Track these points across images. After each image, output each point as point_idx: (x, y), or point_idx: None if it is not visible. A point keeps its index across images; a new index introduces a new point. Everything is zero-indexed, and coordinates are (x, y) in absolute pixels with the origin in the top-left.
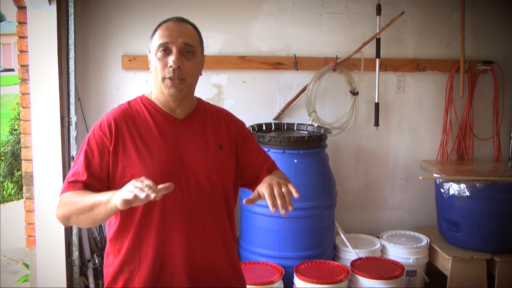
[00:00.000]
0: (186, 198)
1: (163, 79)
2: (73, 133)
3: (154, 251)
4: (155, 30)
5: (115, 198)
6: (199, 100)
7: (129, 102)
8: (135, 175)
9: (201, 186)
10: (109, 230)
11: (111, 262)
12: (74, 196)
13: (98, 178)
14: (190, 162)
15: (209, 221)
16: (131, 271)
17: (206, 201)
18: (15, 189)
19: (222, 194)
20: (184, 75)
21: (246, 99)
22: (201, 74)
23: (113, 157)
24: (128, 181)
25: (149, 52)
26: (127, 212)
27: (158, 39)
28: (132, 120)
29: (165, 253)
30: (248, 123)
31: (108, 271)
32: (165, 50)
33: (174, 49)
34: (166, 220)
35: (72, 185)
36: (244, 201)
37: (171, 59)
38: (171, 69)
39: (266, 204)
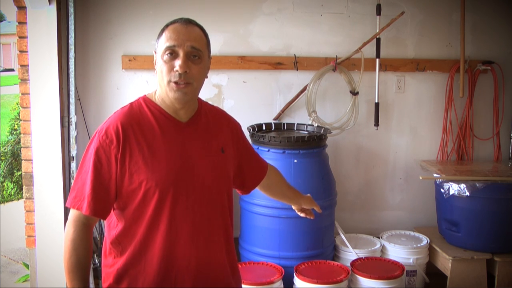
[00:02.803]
0: (192, 202)
1: (169, 82)
2: (73, 133)
3: (160, 254)
4: (162, 31)
5: None
6: (200, 101)
7: (131, 104)
8: (144, 182)
9: (207, 190)
10: (110, 231)
11: (111, 263)
12: (73, 245)
13: (106, 188)
14: (195, 166)
15: (214, 223)
16: (136, 273)
17: (212, 204)
18: (15, 189)
19: (226, 196)
20: (191, 79)
21: (246, 99)
22: (207, 77)
23: (120, 165)
24: (136, 188)
25: (155, 52)
26: (134, 217)
27: (165, 42)
28: (137, 125)
29: (171, 256)
30: (248, 123)
31: (109, 272)
32: (172, 53)
33: (181, 53)
34: (173, 224)
35: (76, 220)
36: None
37: (177, 63)
38: (177, 73)
39: (266, 204)
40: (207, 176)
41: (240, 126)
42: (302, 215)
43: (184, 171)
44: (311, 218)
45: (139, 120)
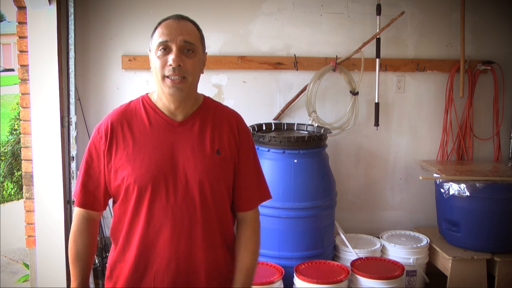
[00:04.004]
0: (172, 203)
1: (163, 77)
2: (73, 133)
3: (137, 252)
4: (155, 28)
5: None
6: (206, 99)
7: (130, 102)
8: (125, 178)
9: (189, 192)
10: (110, 224)
11: (110, 256)
12: (73, 238)
13: (96, 183)
14: (180, 166)
15: (198, 224)
16: (121, 268)
17: (193, 207)
18: (15, 189)
19: (213, 199)
20: (185, 73)
21: (246, 99)
22: (202, 72)
23: (107, 160)
24: (120, 184)
25: (150, 51)
26: (120, 212)
27: (157, 38)
28: (128, 123)
29: (150, 255)
30: (248, 123)
31: (108, 264)
32: (165, 48)
33: (173, 47)
34: (151, 224)
35: (77, 214)
36: None
37: (170, 58)
38: (171, 67)
39: (266, 204)
40: (193, 176)
41: (248, 135)
42: None
43: (165, 170)
44: None
45: (131, 118)
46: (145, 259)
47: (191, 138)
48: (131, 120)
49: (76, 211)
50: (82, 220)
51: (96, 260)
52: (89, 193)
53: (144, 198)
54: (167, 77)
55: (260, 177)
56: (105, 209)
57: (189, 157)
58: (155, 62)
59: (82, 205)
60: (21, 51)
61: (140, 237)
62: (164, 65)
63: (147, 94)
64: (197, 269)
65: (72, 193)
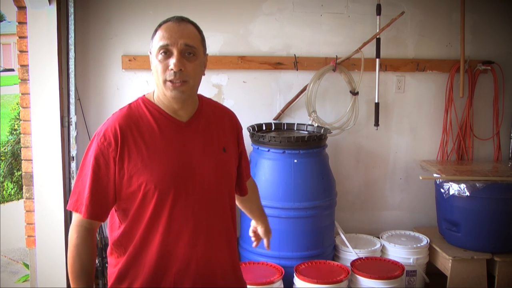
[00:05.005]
0: (191, 202)
1: (165, 81)
2: (73, 133)
3: (158, 254)
4: (156, 30)
5: None
6: (200, 98)
7: (130, 105)
8: (143, 184)
9: (207, 190)
10: (112, 233)
11: (114, 262)
12: (76, 250)
13: (104, 192)
14: (195, 167)
15: (215, 224)
16: (135, 273)
17: (212, 205)
18: (15, 189)
19: (227, 196)
20: (186, 77)
21: (246, 99)
22: (204, 74)
23: (119, 167)
24: (135, 190)
25: (150, 53)
26: (134, 218)
27: (158, 41)
28: (136, 126)
29: (170, 257)
30: (248, 123)
31: (113, 271)
32: (166, 52)
33: (174, 51)
34: (172, 225)
35: (79, 225)
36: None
37: (172, 62)
38: (172, 72)
39: (266, 204)
40: (208, 177)
41: (241, 128)
42: (251, 234)
43: (183, 172)
44: (254, 244)
45: (138, 121)
46: (164, 262)
47: (198, 138)
48: (138, 124)
49: (79, 222)
50: (84, 232)
51: (96, 261)
52: (98, 203)
53: (165, 203)
54: (169, 80)
55: None
56: (107, 218)
57: (202, 158)
58: (156, 65)
59: (91, 216)
60: (21, 51)
61: (160, 241)
62: (165, 69)
63: (144, 95)
64: (216, 269)
65: (70, 204)
